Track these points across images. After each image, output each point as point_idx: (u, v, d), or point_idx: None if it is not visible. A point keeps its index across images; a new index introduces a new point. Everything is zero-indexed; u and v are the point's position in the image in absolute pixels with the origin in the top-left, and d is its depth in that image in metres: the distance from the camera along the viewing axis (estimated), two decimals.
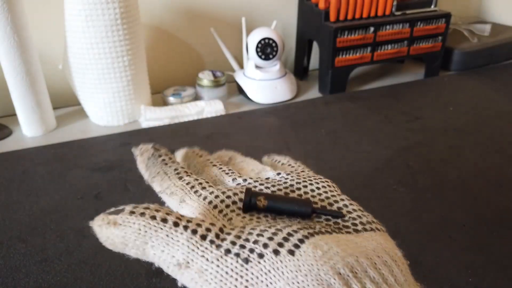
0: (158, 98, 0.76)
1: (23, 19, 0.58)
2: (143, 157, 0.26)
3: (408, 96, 0.77)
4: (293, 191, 0.24)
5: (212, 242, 0.18)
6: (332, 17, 0.74)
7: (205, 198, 0.23)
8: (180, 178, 0.25)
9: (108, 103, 0.66)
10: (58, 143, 0.62)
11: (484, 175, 0.53)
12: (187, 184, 0.24)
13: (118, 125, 0.68)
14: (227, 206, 0.23)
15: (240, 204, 0.23)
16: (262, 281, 0.17)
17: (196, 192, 0.24)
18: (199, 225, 0.19)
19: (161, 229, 0.18)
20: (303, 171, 0.27)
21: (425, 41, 0.81)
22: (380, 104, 0.74)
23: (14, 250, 0.42)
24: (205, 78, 0.75)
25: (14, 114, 0.67)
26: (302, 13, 0.82)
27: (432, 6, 0.81)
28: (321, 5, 0.74)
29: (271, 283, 0.17)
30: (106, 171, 0.54)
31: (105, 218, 0.19)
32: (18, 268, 0.39)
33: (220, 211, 0.22)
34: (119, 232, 0.19)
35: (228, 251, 0.18)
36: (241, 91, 0.79)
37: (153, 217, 0.19)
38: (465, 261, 0.39)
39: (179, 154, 0.29)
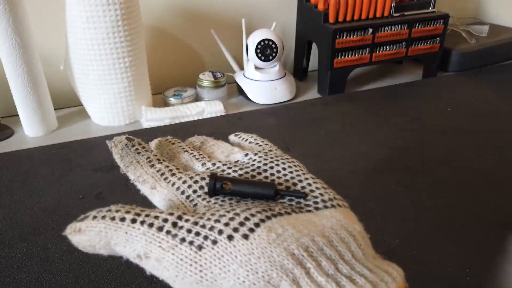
0: (159, 99, 0.77)
1: (25, 21, 0.59)
2: (117, 148, 0.28)
3: (406, 97, 0.77)
4: (259, 173, 0.26)
5: (168, 232, 0.20)
6: (331, 19, 0.74)
7: (173, 184, 0.25)
8: (152, 166, 0.26)
9: (109, 104, 0.66)
10: (59, 143, 0.62)
11: (483, 175, 0.53)
12: (158, 171, 0.26)
13: (119, 126, 0.69)
14: (194, 191, 0.24)
15: (206, 189, 0.24)
16: (215, 265, 0.18)
17: (165, 179, 0.25)
18: (156, 217, 0.20)
19: (120, 227, 0.20)
20: (270, 150, 0.28)
21: (423, 42, 0.82)
22: (379, 105, 0.74)
23: (16, 249, 0.42)
24: (206, 79, 0.75)
25: (16, 115, 0.67)
26: (301, 15, 0.82)
27: (430, 8, 0.81)
28: (320, 6, 0.75)
29: (224, 266, 0.18)
30: (107, 171, 0.55)
31: (73, 225, 0.21)
32: (19, 268, 0.40)
33: (188, 197, 0.24)
34: (85, 237, 0.21)
35: (183, 240, 0.19)
36: (241, 91, 0.79)
37: (113, 218, 0.21)
38: (465, 261, 0.40)
39: (153, 144, 0.30)
